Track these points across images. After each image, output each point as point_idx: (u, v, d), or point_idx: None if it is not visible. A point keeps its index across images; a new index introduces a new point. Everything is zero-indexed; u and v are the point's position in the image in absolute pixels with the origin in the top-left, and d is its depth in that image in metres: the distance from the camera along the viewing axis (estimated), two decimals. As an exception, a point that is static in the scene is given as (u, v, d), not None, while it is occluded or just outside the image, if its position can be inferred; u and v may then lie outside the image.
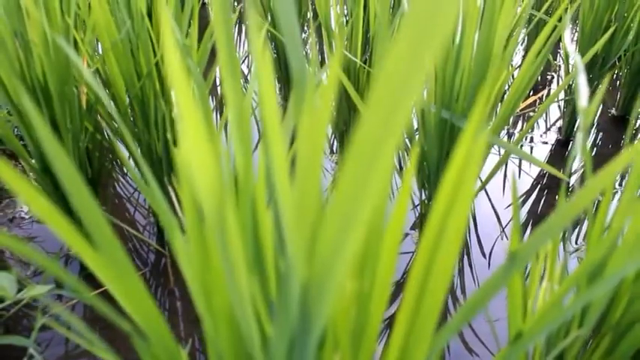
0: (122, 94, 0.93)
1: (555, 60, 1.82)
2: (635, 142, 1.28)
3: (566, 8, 1.49)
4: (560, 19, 1.83)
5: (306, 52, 1.45)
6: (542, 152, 1.30)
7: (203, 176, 0.26)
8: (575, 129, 1.30)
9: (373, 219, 0.31)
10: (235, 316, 0.34)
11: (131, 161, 1.01)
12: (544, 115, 1.45)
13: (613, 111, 1.47)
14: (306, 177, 0.23)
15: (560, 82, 1.33)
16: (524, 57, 1.85)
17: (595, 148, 1.31)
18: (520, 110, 1.45)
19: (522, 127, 1.41)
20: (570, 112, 1.27)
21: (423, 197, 0.90)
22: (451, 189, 0.29)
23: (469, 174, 0.28)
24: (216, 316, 0.34)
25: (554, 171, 0.69)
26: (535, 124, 1.40)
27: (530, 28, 0.98)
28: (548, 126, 1.40)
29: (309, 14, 1.29)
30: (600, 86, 0.96)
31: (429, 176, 0.85)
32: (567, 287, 0.39)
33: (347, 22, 1.02)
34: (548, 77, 1.71)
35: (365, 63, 1.04)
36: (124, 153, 1.13)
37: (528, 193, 1.16)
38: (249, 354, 0.35)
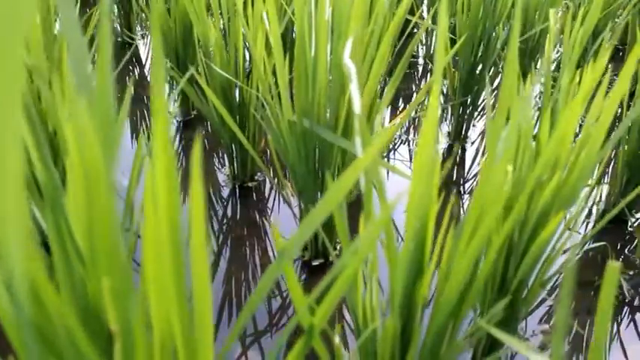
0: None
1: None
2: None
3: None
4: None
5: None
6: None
7: None
8: (462, 133, 1.36)
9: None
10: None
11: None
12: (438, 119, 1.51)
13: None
14: None
15: (448, 88, 1.39)
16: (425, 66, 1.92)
17: (481, 155, 1.38)
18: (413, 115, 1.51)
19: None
20: (456, 117, 1.33)
21: (301, 205, 0.93)
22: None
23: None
24: None
25: (402, 174, 0.73)
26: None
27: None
28: (441, 130, 1.46)
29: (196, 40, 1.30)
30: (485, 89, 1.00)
31: (300, 184, 0.87)
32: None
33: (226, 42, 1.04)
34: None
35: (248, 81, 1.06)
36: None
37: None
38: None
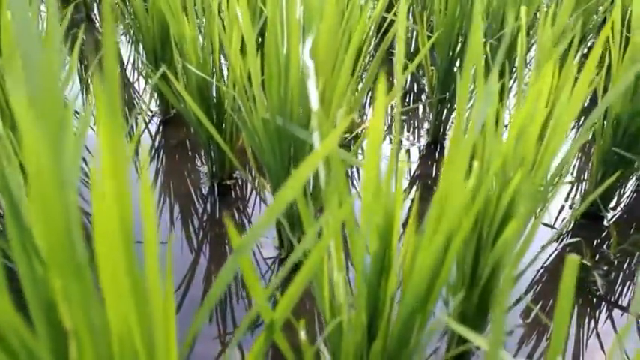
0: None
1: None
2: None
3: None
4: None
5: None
6: (414, 155, 1.36)
7: None
8: (440, 132, 1.37)
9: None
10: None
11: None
12: (415, 117, 1.52)
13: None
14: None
15: (426, 86, 1.39)
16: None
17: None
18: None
19: (405, 130, 1.47)
20: (436, 115, 1.34)
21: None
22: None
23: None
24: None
25: (355, 162, 0.74)
26: (407, 126, 1.46)
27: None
28: (419, 129, 1.47)
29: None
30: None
31: (275, 181, 0.88)
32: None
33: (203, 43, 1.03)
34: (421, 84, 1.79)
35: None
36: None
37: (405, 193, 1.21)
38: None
